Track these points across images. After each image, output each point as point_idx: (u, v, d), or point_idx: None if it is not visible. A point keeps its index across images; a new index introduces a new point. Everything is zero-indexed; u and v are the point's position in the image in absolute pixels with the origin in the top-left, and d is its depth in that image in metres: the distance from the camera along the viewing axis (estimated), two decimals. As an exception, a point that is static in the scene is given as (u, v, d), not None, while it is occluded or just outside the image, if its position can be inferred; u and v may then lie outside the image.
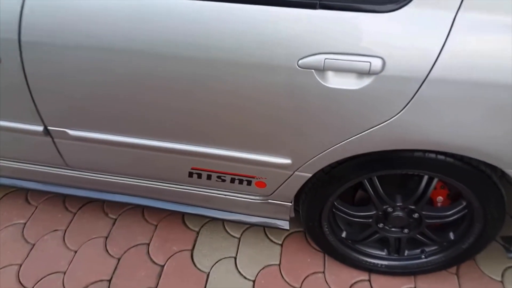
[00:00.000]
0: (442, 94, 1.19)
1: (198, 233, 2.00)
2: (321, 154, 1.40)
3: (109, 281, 1.81)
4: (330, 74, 1.22)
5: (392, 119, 1.26)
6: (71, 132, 1.56)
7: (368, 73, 1.18)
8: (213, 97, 1.32)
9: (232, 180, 1.59)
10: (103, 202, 2.12)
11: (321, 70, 1.20)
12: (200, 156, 1.50)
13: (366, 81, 1.20)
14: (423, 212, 1.57)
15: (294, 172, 1.49)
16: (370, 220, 1.65)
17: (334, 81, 1.22)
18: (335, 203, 1.64)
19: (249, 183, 1.58)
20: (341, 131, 1.33)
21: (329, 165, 1.47)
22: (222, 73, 1.26)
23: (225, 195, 1.70)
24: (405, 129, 1.27)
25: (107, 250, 1.92)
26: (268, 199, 1.67)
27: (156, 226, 2.02)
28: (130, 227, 2.01)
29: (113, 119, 1.48)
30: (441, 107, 1.21)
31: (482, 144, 1.27)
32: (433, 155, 1.36)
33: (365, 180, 1.52)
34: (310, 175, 1.49)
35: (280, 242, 1.97)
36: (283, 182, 1.55)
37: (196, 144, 1.48)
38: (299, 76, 1.22)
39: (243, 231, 2.01)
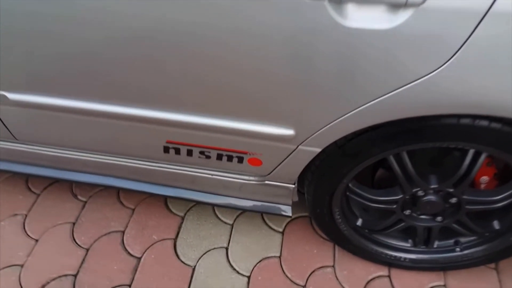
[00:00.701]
0: (507, 37, 0.82)
1: (183, 218, 1.68)
2: (334, 123, 1.04)
3: (75, 276, 1.50)
4: (350, 7, 0.85)
5: (434, 73, 0.89)
6: (12, 96, 1.21)
7: (404, 4, 0.82)
8: (192, 45, 0.95)
9: (219, 157, 1.24)
10: (71, 182, 1.79)
11: (337, 0, 0.84)
12: (176, 126, 1.15)
13: (401, 17, 0.84)
14: (464, 197, 1.23)
15: (298, 146, 1.14)
16: (395, 206, 1.31)
17: (355, 17, 0.85)
18: (350, 185, 1.29)
19: (240, 160, 1.24)
20: (362, 91, 0.97)
21: (344, 137, 1.12)
22: (205, 13, 0.90)
23: (213, 175, 1.36)
24: (451, 87, 0.91)
25: (74, 239, 1.61)
26: (265, 180, 1.33)
27: (133, 210, 1.70)
28: (102, 212, 1.69)
29: (63, 77, 1.12)
30: (503, 56, 0.85)
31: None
32: (485, 123, 1.00)
33: (391, 157, 1.17)
34: (319, 150, 1.14)
35: (280, 230, 1.64)
36: (284, 159, 1.20)
37: (170, 110, 1.12)
38: (306, 12, 0.85)
39: (237, 217, 1.68)
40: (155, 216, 1.68)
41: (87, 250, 1.58)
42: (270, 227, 1.65)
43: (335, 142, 1.14)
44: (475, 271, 1.51)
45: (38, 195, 1.75)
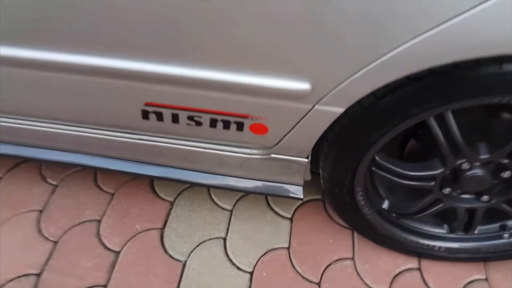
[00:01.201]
0: None
1: (172, 204, 1.41)
2: (361, 72, 0.78)
3: (38, 275, 1.24)
4: None
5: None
6: None
7: None
8: None
9: (213, 123, 0.97)
10: (35, 161, 1.52)
11: None
12: (156, 80, 0.88)
13: None
14: (524, 169, 0.98)
15: (314, 105, 0.87)
16: (433, 184, 1.05)
17: None
18: (377, 158, 1.03)
19: (240, 127, 0.97)
20: (395, 30, 0.71)
21: (373, 94, 0.86)
22: None
23: (206, 148, 1.10)
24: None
25: (40, 230, 1.34)
26: (271, 153, 1.06)
27: (113, 195, 1.43)
28: (76, 197, 1.42)
29: (16, 22, 0.85)
30: None
31: None
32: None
33: (432, 119, 0.91)
34: (341, 110, 0.88)
35: (289, 216, 1.39)
36: (296, 124, 0.93)
37: (146, 60, 0.85)
38: None
39: (237, 201, 1.42)
40: (138, 202, 1.41)
41: (55, 243, 1.31)
42: (276, 213, 1.39)
43: (360, 102, 0.88)
44: (521, 261, 1.27)
45: (1, 178, 1.48)
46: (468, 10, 0.68)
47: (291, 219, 1.38)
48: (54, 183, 1.47)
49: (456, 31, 0.70)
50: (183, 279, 1.24)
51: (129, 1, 0.75)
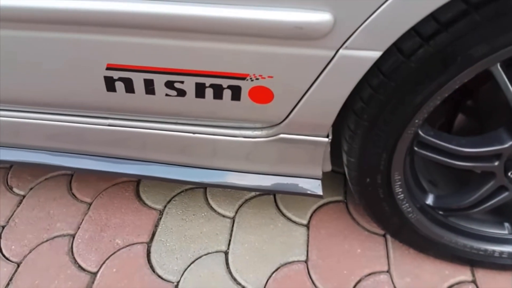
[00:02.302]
0: None
1: (161, 213, 1.16)
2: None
3: (-7, 307, 0.99)
4: None
5: None
6: None
7: None
8: None
9: (200, 90, 0.73)
10: (7, 170, 1.29)
11: None
12: (118, 26, 0.65)
13: None
14: None
15: (338, 49, 0.63)
16: (496, 164, 0.79)
17: None
18: (421, 133, 0.78)
19: (236, 93, 0.72)
20: None
21: (419, 36, 0.62)
22: None
23: (196, 133, 0.85)
24: None
25: (0, 249, 1.09)
26: (279, 133, 0.81)
27: (90, 205, 1.18)
28: (46, 209, 1.17)
29: None
30: None
31: None
32: None
33: (499, 67, 0.66)
34: (379, 53, 0.63)
35: (304, 222, 1.12)
36: (312, 83, 0.69)
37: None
38: None
39: (240, 206, 1.16)
40: (120, 212, 1.16)
41: (18, 264, 1.05)
42: (289, 219, 1.13)
43: (400, 49, 0.64)
44: None
45: (-42, 191, 1.24)
46: None
47: (307, 226, 1.11)
48: (22, 193, 1.22)
49: None
50: (174, 305, 0.98)
51: None
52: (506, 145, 0.76)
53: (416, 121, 0.73)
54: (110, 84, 0.74)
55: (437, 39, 0.63)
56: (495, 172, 0.81)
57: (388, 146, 0.77)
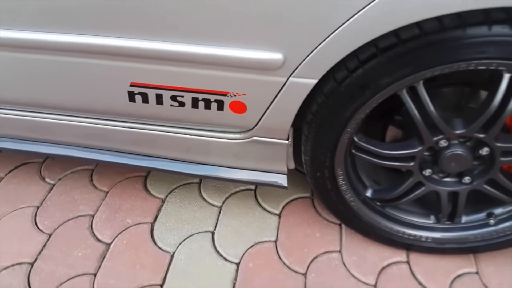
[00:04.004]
0: None
1: (163, 201, 1.44)
2: (331, 37, 0.83)
3: (32, 264, 1.26)
4: None
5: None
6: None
7: None
8: None
9: (195, 103, 1.03)
10: (40, 164, 1.59)
11: None
12: (140, 57, 0.94)
13: None
14: (498, 144, 0.99)
15: (289, 77, 0.92)
16: (412, 164, 1.07)
17: None
18: (356, 139, 1.06)
19: (220, 105, 1.02)
20: None
21: (346, 68, 0.91)
22: None
23: (192, 135, 1.15)
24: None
25: (36, 223, 1.38)
26: (252, 136, 1.10)
27: (107, 193, 1.47)
28: (71, 195, 1.47)
29: None
30: None
31: None
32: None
33: (405, 92, 0.95)
34: (315, 81, 0.92)
35: (277, 212, 1.40)
36: (273, 100, 0.98)
37: (130, 36, 0.92)
38: None
39: (226, 198, 1.45)
40: (131, 199, 1.45)
41: (50, 235, 1.34)
42: (264, 209, 1.41)
43: (334, 78, 0.93)
44: (513, 255, 1.25)
45: (2, 178, 1.54)
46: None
47: (279, 215, 1.39)
48: (52, 182, 1.52)
49: None
50: (170, 269, 1.24)
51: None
52: (417, 150, 1.03)
53: (348, 129, 1.01)
54: (131, 96, 1.04)
55: (357, 72, 0.91)
56: (412, 171, 1.09)
57: (331, 147, 1.05)
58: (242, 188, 1.48)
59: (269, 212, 1.40)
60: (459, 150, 1.02)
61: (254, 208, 1.41)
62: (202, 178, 1.48)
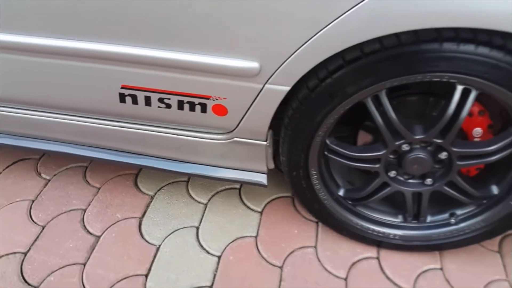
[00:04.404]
0: None
1: (152, 197, 1.53)
2: (301, 49, 0.93)
3: (25, 254, 1.35)
4: None
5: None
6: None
7: None
8: None
9: (180, 105, 1.12)
10: (37, 160, 1.67)
11: None
12: (130, 62, 1.04)
13: None
14: (454, 149, 1.09)
15: (264, 84, 1.02)
16: (378, 166, 1.16)
17: None
18: (328, 142, 1.16)
19: (203, 108, 1.12)
20: (326, 6, 0.87)
21: (317, 77, 1.01)
22: None
23: (174, 134, 1.24)
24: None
25: (30, 216, 1.46)
26: (233, 137, 1.20)
27: (99, 189, 1.56)
28: (65, 190, 1.55)
29: None
30: None
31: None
32: (470, 47, 0.89)
33: (370, 100, 1.05)
34: (287, 88, 1.02)
35: (259, 210, 1.49)
36: (251, 104, 1.08)
37: (121, 43, 1.01)
38: None
39: (212, 196, 1.54)
40: (121, 195, 1.54)
41: (43, 227, 1.43)
42: (247, 207, 1.50)
43: (307, 86, 1.03)
44: (476, 253, 1.34)
45: (-1, 174, 1.63)
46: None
47: (261, 213, 1.48)
48: (48, 177, 1.61)
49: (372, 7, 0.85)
50: (155, 260, 1.33)
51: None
52: (382, 153, 1.13)
53: (320, 132, 1.11)
54: (122, 98, 1.14)
55: (327, 81, 1.01)
56: (379, 172, 1.19)
57: (304, 149, 1.15)
58: (227, 187, 1.57)
59: (251, 209, 1.49)
60: (420, 154, 1.12)
61: (238, 206, 1.50)
62: (189, 176, 1.57)
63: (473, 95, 0.98)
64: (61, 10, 0.98)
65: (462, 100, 1.00)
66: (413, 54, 0.92)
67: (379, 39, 0.92)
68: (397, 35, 0.91)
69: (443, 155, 1.11)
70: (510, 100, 0.96)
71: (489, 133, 1.13)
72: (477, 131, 1.11)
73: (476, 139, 1.13)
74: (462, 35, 0.88)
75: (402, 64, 0.94)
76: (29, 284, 1.27)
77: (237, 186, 1.57)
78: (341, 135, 1.20)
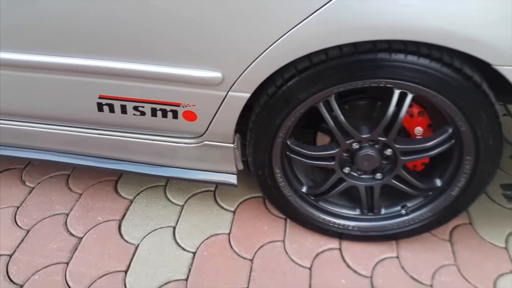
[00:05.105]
0: None
1: (131, 201, 1.64)
2: (257, 60, 1.06)
3: (10, 256, 1.43)
4: None
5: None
6: None
7: None
8: None
9: (154, 112, 1.24)
10: (22, 169, 1.76)
11: None
12: (105, 74, 1.16)
13: None
14: (397, 146, 1.23)
15: (228, 92, 1.15)
16: (333, 163, 1.30)
17: None
18: (289, 142, 1.29)
19: (175, 114, 1.24)
20: (276, 24, 1.01)
21: (274, 85, 1.14)
22: None
23: (153, 140, 1.35)
24: (356, 9, 0.97)
25: (15, 221, 1.55)
26: (204, 141, 1.32)
27: (81, 195, 1.66)
28: (49, 196, 1.65)
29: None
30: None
31: (467, 26, 0.95)
32: (400, 56, 1.04)
33: (321, 105, 1.18)
34: (248, 94, 1.15)
35: (232, 209, 1.61)
36: (217, 110, 1.20)
37: (97, 57, 1.13)
38: None
39: (188, 198, 1.65)
40: (102, 199, 1.64)
41: (28, 231, 1.52)
42: (221, 207, 1.61)
43: (267, 93, 1.16)
44: (429, 242, 1.47)
45: (-16, 183, 1.71)
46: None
47: (234, 212, 1.60)
48: (32, 185, 1.70)
49: (328, 19, 0.98)
50: (134, 257, 1.43)
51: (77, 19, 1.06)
52: (335, 151, 1.27)
53: (280, 134, 1.24)
54: (100, 107, 1.25)
55: (283, 88, 1.14)
56: (335, 169, 1.32)
57: (268, 150, 1.28)
58: (203, 189, 1.69)
59: (225, 209, 1.61)
60: (369, 151, 1.26)
61: (213, 207, 1.62)
62: (167, 180, 1.68)
63: (409, 98, 1.13)
64: (47, 28, 1.10)
65: (400, 102, 1.14)
66: (353, 64, 1.06)
67: (324, 51, 1.06)
68: (339, 47, 1.05)
69: (389, 152, 1.25)
70: (440, 101, 1.10)
71: (429, 131, 1.27)
72: (418, 130, 1.26)
73: (418, 137, 1.27)
74: (394, 46, 1.03)
75: (344, 73, 1.08)
76: (14, 283, 1.35)
77: (212, 188, 1.69)
78: (308, 140, 1.33)
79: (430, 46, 1.02)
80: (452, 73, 1.05)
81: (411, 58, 1.04)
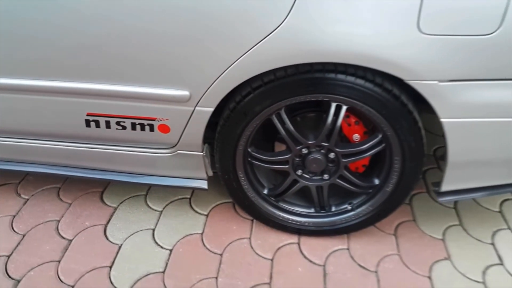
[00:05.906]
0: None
1: (115, 209, 1.84)
2: (218, 80, 1.31)
3: (8, 256, 1.62)
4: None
5: (280, 26, 1.19)
6: None
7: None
8: (90, 27, 1.27)
9: (133, 126, 1.47)
10: (17, 184, 1.96)
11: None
12: (92, 94, 1.39)
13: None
14: (338, 150, 1.47)
15: (195, 107, 1.39)
16: (287, 166, 1.53)
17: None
18: (250, 150, 1.53)
19: (151, 128, 1.47)
20: (231, 46, 1.24)
21: (234, 100, 1.39)
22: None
23: (133, 151, 1.57)
24: (294, 38, 1.21)
25: (12, 227, 1.74)
26: (177, 150, 1.55)
27: (71, 204, 1.86)
28: (42, 206, 1.84)
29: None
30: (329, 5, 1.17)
31: (379, 49, 1.20)
32: (332, 75, 1.29)
33: (274, 117, 1.43)
34: (212, 109, 1.39)
35: (205, 213, 1.82)
36: (187, 123, 1.44)
37: (85, 81, 1.37)
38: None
39: (166, 205, 1.86)
40: (89, 208, 1.84)
41: (23, 235, 1.71)
42: (196, 211, 1.82)
43: (228, 107, 1.40)
44: (376, 236, 1.70)
45: (-17, 196, 1.90)
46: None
47: (207, 215, 1.81)
48: (26, 197, 1.90)
49: (274, 45, 1.22)
50: (118, 255, 1.63)
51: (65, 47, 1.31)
52: (288, 156, 1.51)
53: (241, 142, 1.47)
54: (87, 123, 1.48)
55: (241, 103, 1.38)
56: (289, 172, 1.55)
57: (231, 156, 1.51)
58: (179, 197, 1.90)
59: (199, 213, 1.82)
60: (316, 155, 1.49)
61: (188, 211, 1.83)
62: (148, 189, 1.89)
63: (343, 109, 1.38)
64: (39, 56, 1.34)
65: (336, 113, 1.39)
66: (295, 82, 1.31)
67: (273, 72, 1.31)
68: (284, 69, 1.30)
69: (332, 155, 1.49)
70: (367, 111, 1.35)
71: (366, 137, 1.52)
72: (356, 136, 1.51)
73: (356, 142, 1.52)
74: (326, 67, 1.29)
75: (289, 89, 1.33)
76: (12, 279, 1.54)
77: (188, 196, 1.90)
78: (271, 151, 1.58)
79: (355, 66, 1.28)
80: (375, 87, 1.30)
81: (340, 76, 1.29)
